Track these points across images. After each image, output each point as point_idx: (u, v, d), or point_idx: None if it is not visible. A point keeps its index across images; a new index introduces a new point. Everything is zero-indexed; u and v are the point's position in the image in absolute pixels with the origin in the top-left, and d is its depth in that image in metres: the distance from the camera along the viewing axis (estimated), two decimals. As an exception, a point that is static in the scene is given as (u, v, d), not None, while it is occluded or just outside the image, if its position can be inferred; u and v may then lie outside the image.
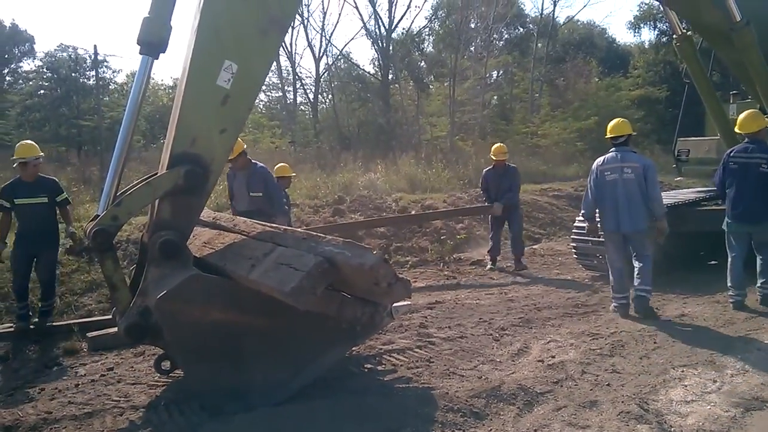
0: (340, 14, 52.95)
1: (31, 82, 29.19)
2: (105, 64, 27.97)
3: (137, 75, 4.10)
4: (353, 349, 4.66)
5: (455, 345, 4.89)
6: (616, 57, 33.07)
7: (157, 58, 4.05)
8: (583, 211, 6.12)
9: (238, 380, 3.64)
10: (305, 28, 29.80)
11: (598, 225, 5.96)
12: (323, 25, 37.61)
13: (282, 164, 7.75)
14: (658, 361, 4.40)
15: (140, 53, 3.99)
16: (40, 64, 29.55)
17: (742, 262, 5.83)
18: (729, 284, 5.86)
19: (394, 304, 4.14)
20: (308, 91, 30.57)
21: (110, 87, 29.12)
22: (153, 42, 3.96)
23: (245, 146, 6.36)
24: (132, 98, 4.04)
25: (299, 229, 4.19)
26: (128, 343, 4.67)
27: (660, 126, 24.79)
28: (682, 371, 4.19)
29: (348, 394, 3.85)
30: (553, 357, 4.52)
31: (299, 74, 30.37)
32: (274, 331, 3.66)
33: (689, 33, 7.43)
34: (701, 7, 6.59)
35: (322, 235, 3.79)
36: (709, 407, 3.65)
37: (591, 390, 3.88)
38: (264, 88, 31.30)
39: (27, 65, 33.88)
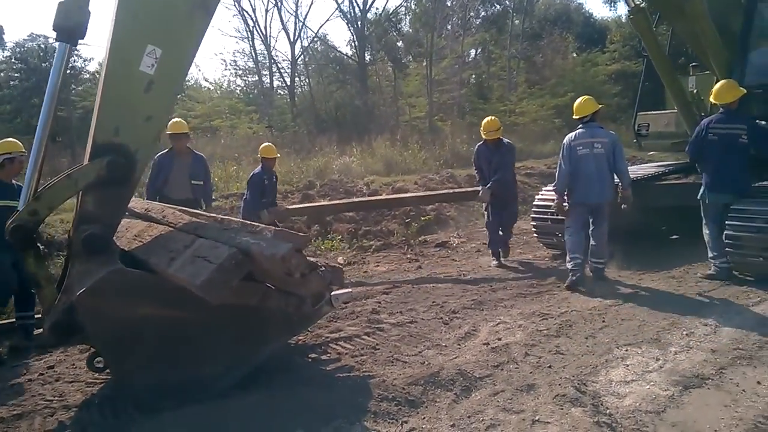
0: (313, -5, 52.19)
1: (1, 74, 28.48)
2: (76, 53, 27.35)
3: (54, 63, 3.88)
4: (299, 338, 4.60)
5: (403, 330, 4.80)
6: (593, 32, 32.79)
7: (75, 45, 3.90)
8: (556, 186, 6.20)
9: (171, 376, 3.54)
10: (279, 10, 29.46)
11: (564, 202, 6.05)
12: (297, 7, 37.01)
13: (267, 144, 7.50)
14: (603, 341, 4.35)
15: (56, 40, 3.81)
16: (9, 54, 28.90)
17: (720, 231, 5.82)
18: (714, 254, 5.83)
19: (334, 293, 4.04)
20: (285, 74, 30.14)
21: (84, 77, 28.48)
22: (69, 28, 3.77)
23: (189, 130, 6.20)
24: (50, 88, 3.83)
25: (235, 219, 4.07)
26: (55, 343, 4.53)
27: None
28: (626, 350, 4.15)
29: (285, 387, 3.76)
30: (500, 339, 4.45)
31: (275, 58, 29.90)
32: (203, 324, 3.55)
33: (643, 5, 7.33)
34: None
35: (251, 223, 3.68)
36: (648, 387, 3.60)
37: (531, 373, 3.82)
38: (240, 72, 30.92)
39: (-5, 56, 33.04)
